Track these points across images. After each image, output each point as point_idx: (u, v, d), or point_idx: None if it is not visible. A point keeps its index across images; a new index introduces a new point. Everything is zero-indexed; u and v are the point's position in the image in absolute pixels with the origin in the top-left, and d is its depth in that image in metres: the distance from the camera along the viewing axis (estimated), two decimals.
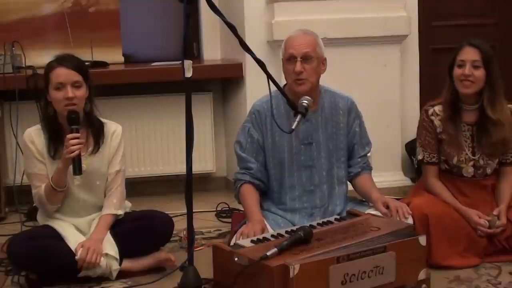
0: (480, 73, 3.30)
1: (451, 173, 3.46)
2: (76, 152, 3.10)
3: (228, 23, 2.82)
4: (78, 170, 3.13)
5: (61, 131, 3.23)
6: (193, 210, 2.83)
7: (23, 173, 4.28)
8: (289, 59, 3.24)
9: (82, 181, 3.29)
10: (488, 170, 3.43)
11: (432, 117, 3.44)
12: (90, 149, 3.29)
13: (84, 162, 3.18)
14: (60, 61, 3.22)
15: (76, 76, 3.19)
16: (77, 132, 3.14)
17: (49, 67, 3.23)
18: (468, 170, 3.42)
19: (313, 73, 3.23)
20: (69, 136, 3.12)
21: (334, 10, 4.54)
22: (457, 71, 3.34)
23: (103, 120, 3.36)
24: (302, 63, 3.20)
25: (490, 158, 3.40)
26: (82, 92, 3.21)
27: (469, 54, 3.32)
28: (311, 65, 3.22)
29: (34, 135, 3.28)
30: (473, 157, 3.40)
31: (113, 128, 3.37)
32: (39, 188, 3.24)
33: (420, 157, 3.49)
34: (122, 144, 3.38)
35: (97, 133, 3.31)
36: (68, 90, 3.16)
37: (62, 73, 3.18)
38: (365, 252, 2.73)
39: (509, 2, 5.18)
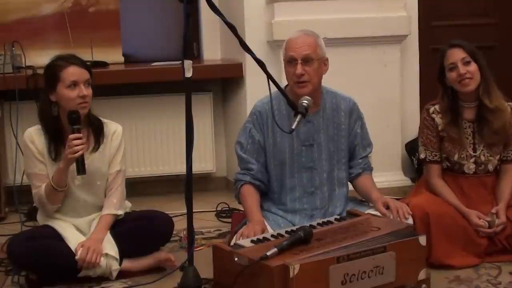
0: (473, 67, 3.33)
1: (452, 171, 3.47)
2: (80, 153, 3.10)
3: (228, 23, 2.81)
4: (82, 169, 3.13)
5: (62, 132, 3.23)
6: (193, 210, 2.83)
7: (23, 173, 4.28)
8: (289, 61, 3.23)
9: (83, 181, 3.28)
10: (490, 167, 3.43)
11: (433, 115, 3.45)
12: (91, 147, 3.29)
13: (85, 161, 3.18)
14: (69, 60, 3.22)
15: (87, 75, 3.21)
16: (79, 132, 3.14)
17: (58, 66, 3.20)
18: (470, 167, 3.43)
19: (314, 75, 3.22)
20: (72, 136, 3.11)
21: (334, 10, 4.54)
22: (451, 75, 3.35)
23: (103, 120, 3.36)
24: (302, 65, 3.19)
25: (491, 154, 3.41)
26: (91, 90, 3.22)
27: (455, 54, 3.35)
28: (312, 67, 3.21)
29: (34, 135, 3.27)
30: (474, 154, 3.41)
31: (113, 128, 3.37)
32: (39, 188, 3.24)
33: (422, 156, 3.49)
34: (122, 144, 3.38)
35: (97, 132, 3.31)
36: (82, 88, 3.16)
37: (76, 72, 3.18)
38: (365, 252, 2.73)
39: (509, 2, 5.18)
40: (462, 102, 3.41)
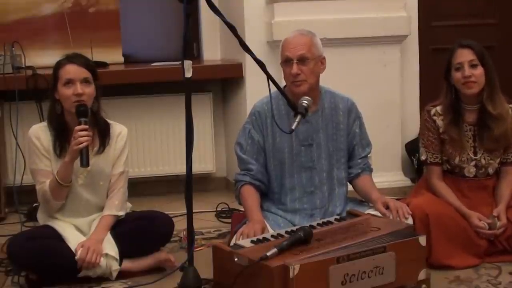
0: (479, 71, 3.31)
1: (452, 173, 3.46)
2: (84, 144, 3.11)
3: (228, 23, 2.82)
4: (85, 162, 3.12)
5: (67, 130, 3.24)
6: (193, 211, 2.83)
7: (23, 173, 4.30)
8: (285, 62, 3.24)
9: (86, 181, 3.29)
10: (490, 170, 3.43)
11: (434, 117, 3.44)
12: (96, 149, 3.30)
13: (89, 161, 3.18)
14: (70, 58, 3.25)
15: (86, 73, 3.21)
16: (86, 124, 3.15)
17: (59, 64, 3.24)
18: (470, 170, 3.42)
19: (310, 74, 3.22)
20: (78, 127, 3.12)
21: (334, 10, 4.54)
22: (456, 75, 3.34)
23: (109, 121, 3.37)
24: (298, 65, 3.20)
25: (492, 157, 3.40)
26: (91, 89, 3.22)
27: (463, 55, 3.33)
28: (308, 66, 3.21)
29: (40, 131, 3.28)
30: (475, 157, 3.40)
31: (118, 129, 3.38)
32: (44, 184, 3.23)
33: (423, 157, 3.48)
34: (127, 146, 3.39)
35: (103, 134, 3.32)
36: (78, 86, 3.17)
37: (72, 70, 3.20)
38: (365, 252, 2.73)
39: (509, 2, 5.18)
40: (464, 104, 3.40)
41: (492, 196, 3.44)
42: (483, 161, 3.41)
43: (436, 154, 3.45)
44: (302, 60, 3.20)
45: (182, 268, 2.84)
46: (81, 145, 3.10)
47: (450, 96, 3.39)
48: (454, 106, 3.39)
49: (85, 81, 3.20)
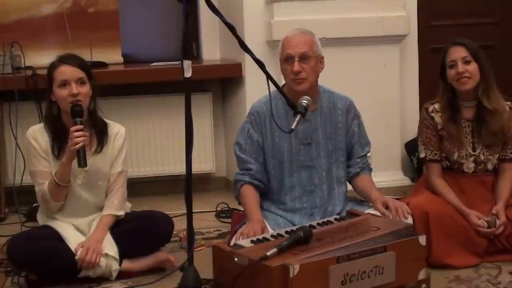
0: (473, 67, 3.34)
1: (452, 170, 3.47)
2: (81, 144, 3.11)
3: (227, 23, 2.81)
4: (83, 162, 3.12)
5: (65, 131, 3.23)
6: (193, 210, 2.83)
7: (23, 174, 4.30)
8: (287, 59, 3.24)
9: (85, 181, 3.29)
10: (489, 166, 3.44)
11: (433, 114, 3.45)
12: (94, 149, 3.30)
13: (87, 160, 3.18)
14: (63, 59, 3.25)
15: (80, 73, 3.21)
16: (81, 124, 3.15)
17: (53, 66, 3.24)
18: (469, 166, 3.43)
19: (311, 72, 3.23)
20: (73, 128, 3.12)
21: (334, 10, 4.54)
22: (450, 72, 3.37)
23: (106, 121, 3.37)
24: (300, 62, 3.20)
25: (491, 153, 3.41)
26: (86, 89, 3.22)
27: (456, 52, 3.36)
28: (309, 64, 3.22)
29: (37, 132, 3.29)
30: (474, 153, 3.41)
31: (116, 129, 3.38)
32: (43, 185, 3.24)
33: (422, 155, 3.49)
34: (125, 145, 3.39)
35: (101, 133, 3.32)
36: (73, 86, 3.17)
37: (66, 70, 3.20)
38: (365, 252, 2.73)
39: (509, 2, 5.18)
40: (461, 101, 3.42)
41: (492, 192, 3.45)
42: (482, 157, 3.42)
43: (435, 151, 3.46)
44: (304, 58, 3.21)
45: (182, 268, 2.84)
46: (77, 146, 3.10)
47: (447, 94, 3.42)
48: (451, 104, 3.41)
49: (80, 81, 3.20)
